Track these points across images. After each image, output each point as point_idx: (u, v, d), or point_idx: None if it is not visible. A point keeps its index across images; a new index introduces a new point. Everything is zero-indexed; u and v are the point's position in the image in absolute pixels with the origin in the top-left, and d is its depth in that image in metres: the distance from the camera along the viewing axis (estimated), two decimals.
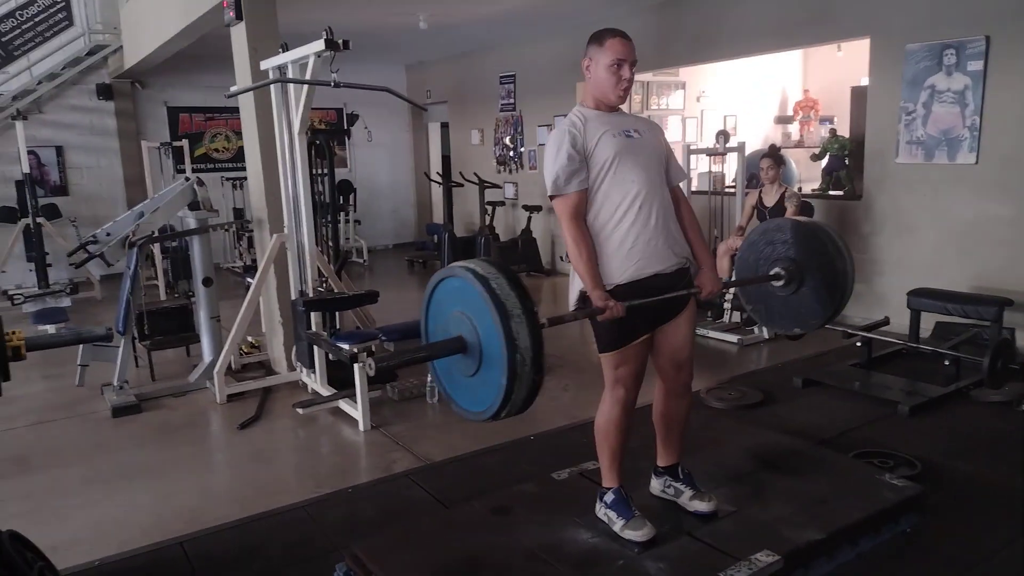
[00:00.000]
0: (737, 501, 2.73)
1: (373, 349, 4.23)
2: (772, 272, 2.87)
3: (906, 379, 4.35)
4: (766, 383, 4.48)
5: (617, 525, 2.52)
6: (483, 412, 2.02)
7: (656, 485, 2.77)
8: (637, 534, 2.47)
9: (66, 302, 7.20)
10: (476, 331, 1.97)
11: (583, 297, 2.42)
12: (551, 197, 2.42)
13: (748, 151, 6.30)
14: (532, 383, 1.92)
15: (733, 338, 5.54)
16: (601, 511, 2.60)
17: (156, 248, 7.80)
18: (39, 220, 7.62)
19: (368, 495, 3.31)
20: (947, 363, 4.21)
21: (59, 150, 9.26)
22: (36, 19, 8.83)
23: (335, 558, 2.63)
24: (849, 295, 2.87)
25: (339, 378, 4.50)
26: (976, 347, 4.43)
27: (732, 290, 5.55)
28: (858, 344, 4.63)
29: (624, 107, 2.54)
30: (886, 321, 4.92)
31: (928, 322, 4.91)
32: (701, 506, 2.62)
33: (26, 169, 7.49)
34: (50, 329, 6.02)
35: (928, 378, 4.29)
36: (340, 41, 3.86)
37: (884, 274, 5.74)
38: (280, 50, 4.40)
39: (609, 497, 2.57)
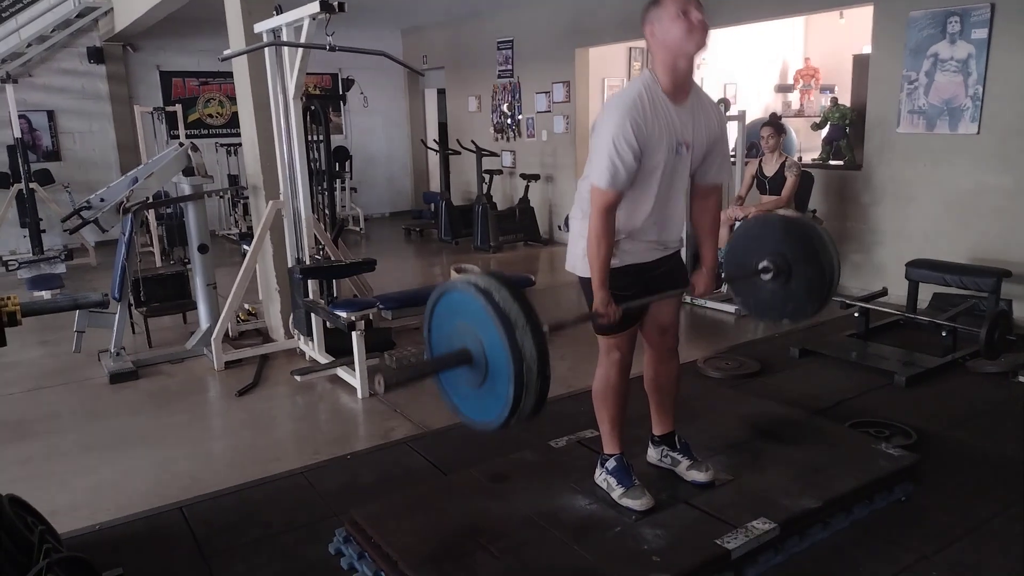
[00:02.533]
0: (734, 469, 2.75)
1: (371, 317, 4.23)
2: (761, 266, 2.88)
3: (903, 349, 4.36)
4: (763, 353, 4.49)
5: (616, 492, 2.54)
6: (491, 422, 2.04)
7: (653, 454, 2.79)
8: (636, 503, 2.49)
9: (61, 268, 7.18)
10: (481, 343, 1.99)
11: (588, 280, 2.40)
12: (595, 185, 2.29)
13: (748, 120, 6.25)
14: (539, 391, 1.94)
15: (730, 308, 5.54)
16: (601, 477, 2.62)
17: (151, 214, 7.75)
18: (32, 185, 7.55)
19: (367, 462, 3.33)
20: (944, 334, 4.22)
21: (50, 114, 9.14)
22: None
23: (334, 524, 2.65)
24: (836, 288, 2.87)
25: (336, 346, 4.49)
26: (973, 318, 4.44)
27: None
28: (855, 314, 4.63)
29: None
30: (884, 292, 4.92)
31: (926, 293, 4.92)
32: (698, 476, 2.64)
33: (17, 134, 7.40)
34: (46, 295, 6.00)
35: (925, 349, 4.31)
36: (335, 3, 3.79)
37: (883, 244, 5.73)
38: (274, 12, 4.32)
39: (611, 464, 2.59)
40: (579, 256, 2.44)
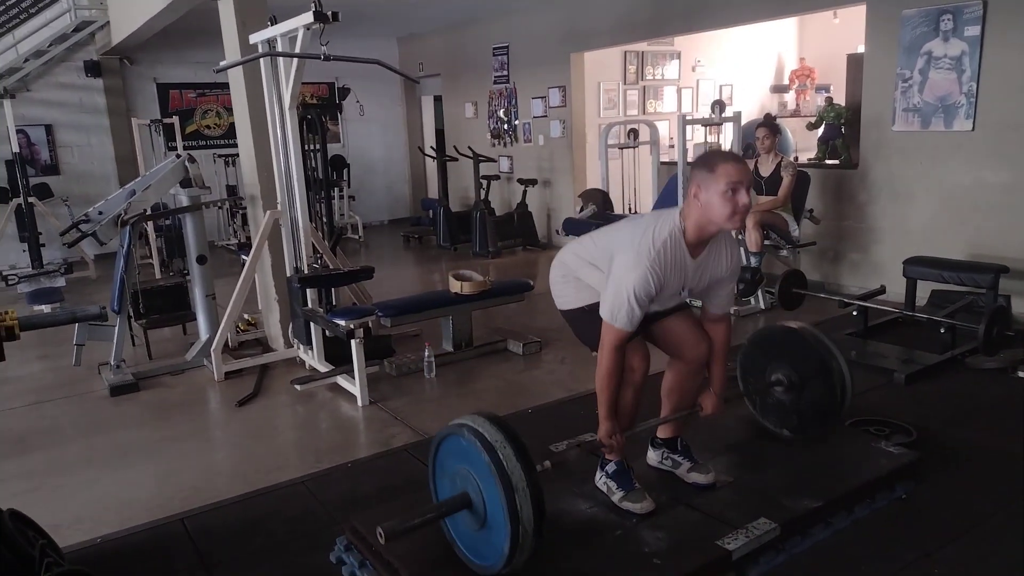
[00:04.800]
0: (734, 470, 2.75)
1: (370, 325, 4.23)
2: (774, 379, 2.95)
3: (902, 347, 4.36)
4: None
5: (616, 496, 2.54)
6: (487, 568, 2.15)
7: (653, 456, 2.79)
8: (636, 506, 2.49)
9: (60, 282, 7.19)
10: (481, 494, 2.08)
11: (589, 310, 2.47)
12: (608, 322, 2.36)
13: (744, 121, 6.24)
14: (533, 549, 2.04)
15: (731, 309, 5.53)
16: (601, 480, 2.62)
17: (150, 226, 7.77)
18: (31, 200, 7.56)
19: (368, 469, 3.33)
20: (943, 331, 4.22)
21: (48, 129, 9.16)
22: None
23: (336, 532, 2.65)
24: (839, 420, 2.94)
25: (336, 354, 4.50)
26: (972, 314, 4.44)
27: None
28: (854, 313, 4.64)
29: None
30: (882, 290, 4.93)
31: (924, 290, 4.92)
32: (700, 478, 2.64)
33: (16, 148, 7.42)
34: (45, 309, 6.00)
35: (924, 346, 4.31)
36: (329, 13, 3.80)
37: (880, 242, 5.74)
38: (268, 23, 4.33)
39: (611, 467, 2.59)
40: (566, 295, 2.61)
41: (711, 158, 2.35)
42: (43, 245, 7.68)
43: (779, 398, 2.97)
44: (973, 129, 5.05)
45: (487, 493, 2.05)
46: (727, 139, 6.75)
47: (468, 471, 2.11)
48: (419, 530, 2.15)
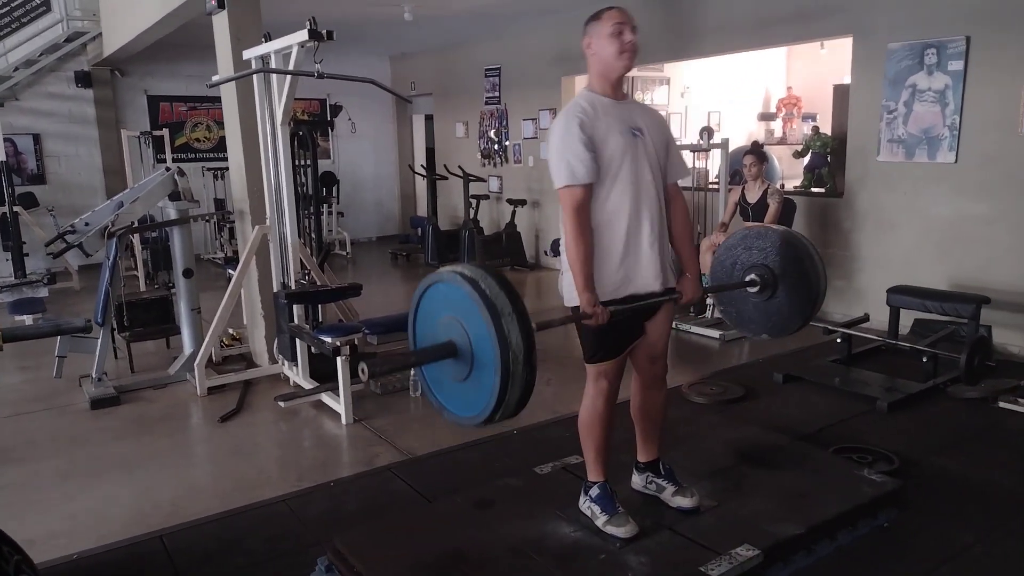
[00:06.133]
0: (718, 495, 2.75)
1: (356, 342, 4.21)
2: (748, 278, 2.89)
3: (885, 375, 4.39)
4: (747, 378, 4.52)
5: (600, 520, 2.53)
6: (476, 416, 2.00)
7: (638, 481, 2.79)
8: (620, 530, 2.48)
9: (43, 292, 7.10)
10: (467, 334, 1.96)
11: (577, 309, 2.38)
12: (559, 188, 2.34)
13: (731, 148, 6.32)
14: (525, 382, 1.91)
15: (715, 333, 5.57)
16: (585, 504, 2.61)
17: (136, 239, 7.72)
18: (15, 209, 7.50)
19: (350, 489, 3.30)
20: (925, 360, 4.26)
21: (36, 138, 9.11)
22: (12, 4, 8.68)
23: (317, 552, 2.62)
24: (819, 307, 2.90)
25: (321, 371, 4.47)
26: (954, 344, 4.49)
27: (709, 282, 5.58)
28: (838, 340, 4.67)
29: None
30: (866, 318, 4.97)
31: (907, 319, 4.97)
32: (684, 502, 2.64)
33: (2, 157, 7.36)
34: (27, 320, 5.94)
35: (906, 374, 4.34)
36: (324, 31, 3.83)
37: (864, 271, 5.80)
38: (263, 40, 4.35)
39: (594, 491, 2.58)
40: (567, 289, 2.46)
41: (598, 11, 2.43)
42: (27, 255, 7.59)
43: (754, 300, 2.92)
44: (956, 161, 5.14)
45: (472, 328, 1.92)
46: (715, 165, 6.81)
47: (451, 318, 1.99)
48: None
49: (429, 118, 11.24)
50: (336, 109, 10.29)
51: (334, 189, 10.44)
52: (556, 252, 6.82)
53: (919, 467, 3.24)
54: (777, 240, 2.89)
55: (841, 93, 7.57)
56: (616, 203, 2.39)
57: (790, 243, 2.88)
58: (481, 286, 1.89)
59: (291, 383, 4.73)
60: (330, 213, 10.17)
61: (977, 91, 4.98)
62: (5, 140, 7.55)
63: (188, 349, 4.98)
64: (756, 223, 5.64)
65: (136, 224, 5.21)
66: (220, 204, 9.60)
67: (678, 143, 2.74)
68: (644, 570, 2.33)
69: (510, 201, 8.90)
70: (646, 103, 2.60)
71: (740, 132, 9.72)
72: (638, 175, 2.41)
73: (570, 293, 2.42)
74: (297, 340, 4.51)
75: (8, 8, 8.60)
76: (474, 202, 8.84)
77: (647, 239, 2.43)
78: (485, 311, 1.86)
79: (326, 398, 4.30)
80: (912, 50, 5.27)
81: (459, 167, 8.99)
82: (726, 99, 9.79)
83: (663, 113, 9.19)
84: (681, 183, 2.69)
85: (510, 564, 2.39)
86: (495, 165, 9.62)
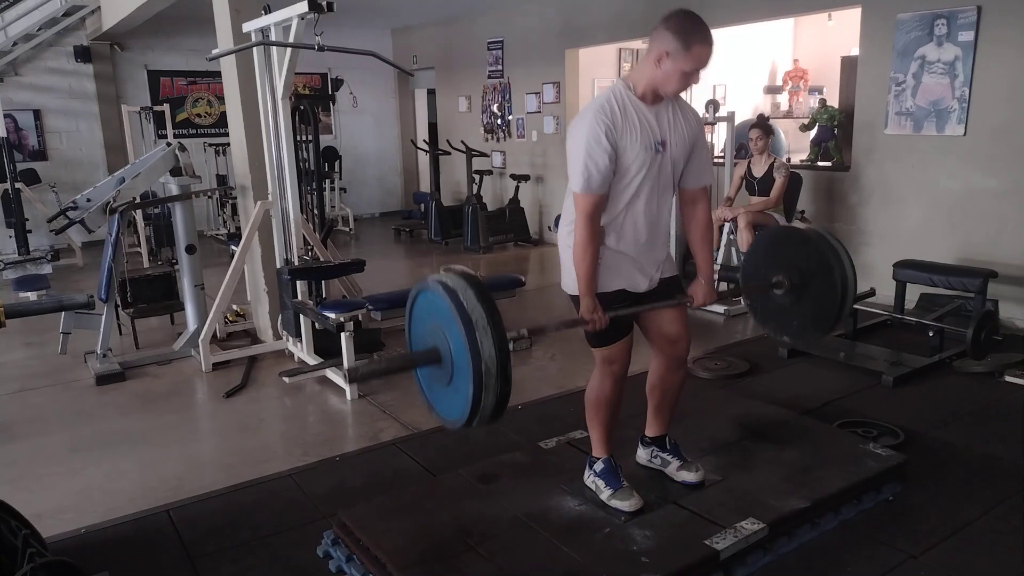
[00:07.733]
0: (723, 470, 2.76)
1: (360, 318, 4.21)
2: (774, 280, 2.81)
3: (890, 350, 4.38)
4: (752, 353, 4.51)
5: (605, 494, 2.54)
6: (456, 421, 2.08)
7: (643, 455, 2.79)
8: (624, 504, 2.49)
9: (47, 269, 7.10)
10: (448, 342, 2.02)
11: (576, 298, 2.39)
12: (574, 191, 2.32)
13: (737, 121, 6.26)
14: (499, 393, 1.97)
15: (720, 309, 5.55)
16: (589, 479, 2.62)
17: (138, 215, 7.70)
18: (17, 185, 7.48)
19: (355, 464, 3.31)
20: (931, 334, 4.24)
21: (37, 114, 9.05)
22: None
23: (323, 526, 2.64)
24: (842, 320, 2.83)
25: (325, 347, 4.47)
26: (960, 318, 4.47)
27: (719, 262, 5.56)
28: None
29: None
30: (872, 292, 4.93)
31: (914, 293, 4.94)
32: (688, 476, 2.65)
33: (2, 133, 7.33)
34: (31, 296, 5.94)
35: (912, 349, 4.33)
36: (324, 3, 3.77)
37: (871, 245, 5.76)
38: (263, 12, 4.29)
39: (599, 466, 2.59)
40: (568, 277, 2.46)
41: (690, 33, 2.22)
42: (29, 231, 7.59)
43: (779, 301, 2.84)
44: (965, 134, 5.07)
45: (451, 338, 1.99)
46: (720, 139, 6.74)
47: (437, 325, 2.05)
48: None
49: (431, 92, 11.14)
50: (337, 83, 10.19)
51: (336, 164, 10.38)
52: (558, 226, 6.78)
53: (924, 441, 3.24)
54: (809, 242, 2.79)
55: (848, 65, 7.47)
56: (618, 208, 2.38)
57: (822, 248, 2.73)
58: (460, 298, 1.95)
59: (295, 359, 4.74)
60: (332, 189, 10.13)
61: (987, 63, 4.90)
62: (6, 116, 7.51)
63: (192, 325, 4.99)
64: (760, 196, 5.60)
65: (138, 200, 5.18)
66: (222, 180, 9.56)
67: None
68: (649, 543, 2.34)
69: (513, 176, 8.85)
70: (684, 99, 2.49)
71: (746, 105, 9.62)
72: (648, 190, 2.38)
73: (569, 276, 2.42)
74: (301, 316, 4.50)
75: None
76: (477, 177, 8.78)
77: (645, 243, 2.44)
78: (460, 324, 1.93)
79: (330, 373, 4.31)
80: (922, 20, 5.19)
81: (462, 142, 8.92)
82: (732, 72, 9.67)
83: None
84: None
85: (515, 538, 2.40)
86: (498, 140, 9.55)
